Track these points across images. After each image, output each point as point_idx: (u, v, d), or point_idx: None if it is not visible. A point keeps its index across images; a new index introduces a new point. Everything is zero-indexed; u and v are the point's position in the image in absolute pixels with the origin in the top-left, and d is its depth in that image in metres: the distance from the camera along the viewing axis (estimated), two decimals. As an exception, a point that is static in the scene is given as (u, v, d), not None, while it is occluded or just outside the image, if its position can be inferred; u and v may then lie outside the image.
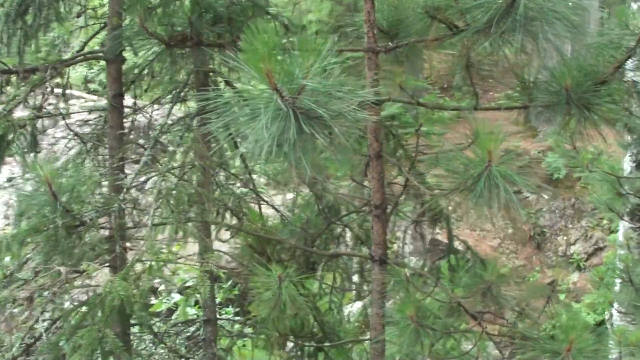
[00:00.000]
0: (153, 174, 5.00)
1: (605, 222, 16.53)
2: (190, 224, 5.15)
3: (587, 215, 17.05)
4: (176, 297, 9.05)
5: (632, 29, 3.97)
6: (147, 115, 6.22)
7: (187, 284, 7.50)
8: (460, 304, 4.26)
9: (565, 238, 17.44)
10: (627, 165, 8.16)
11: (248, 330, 6.80)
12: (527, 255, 17.44)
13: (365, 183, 4.93)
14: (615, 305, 8.40)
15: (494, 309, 4.34)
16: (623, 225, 8.35)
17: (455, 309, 4.45)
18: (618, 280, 7.51)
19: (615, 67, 3.93)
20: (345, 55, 5.90)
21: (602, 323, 13.03)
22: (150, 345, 6.47)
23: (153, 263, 4.15)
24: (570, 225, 17.43)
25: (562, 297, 16.50)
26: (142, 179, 5.15)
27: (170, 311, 9.55)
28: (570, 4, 3.48)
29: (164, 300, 9.36)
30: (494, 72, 4.40)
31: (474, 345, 4.35)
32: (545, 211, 17.65)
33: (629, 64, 7.94)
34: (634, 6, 8.49)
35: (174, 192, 4.79)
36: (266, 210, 6.36)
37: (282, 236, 5.26)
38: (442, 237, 16.57)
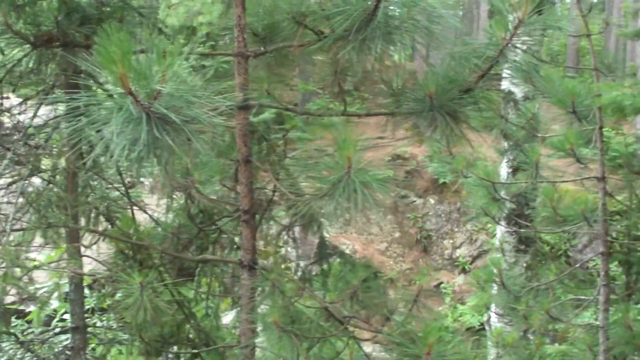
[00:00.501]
0: (17, 176, 4.85)
1: (490, 225, 16.93)
2: (59, 229, 5.02)
3: (472, 219, 17.40)
4: (55, 304, 8.84)
5: (495, 39, 4.03)
6: (15, 116, 6.03)
7: (43, 291, 7.30)
8: (327, 308, 4.26)
9: (451, 241, 17.78)
10: (504, 170, 8.34)
11: (123, 337, 6.68)
12: (414, 259, 17.71)
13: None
14: (493, 307, 8.58)
15: (362, 313, 4.35)
16: (500, 230, 8.53)
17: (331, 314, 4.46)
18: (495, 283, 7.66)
19: (479, 75, 3.98)
20: (221, 59, 5.88)
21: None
22: (14, 353, 6.28)
23: (8, 270, 4.02)
24: (456, 229, 17.77)
25: (447, 299, 16.81)
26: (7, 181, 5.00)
27: (51, 318, 9.33)
28: (435, 13, 3.52)
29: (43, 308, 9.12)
30: (366, 78, 4.41)
31: (343, 349, 4.35)
32: (432, 215, 17.96)
33: (505, 73, 8.12)
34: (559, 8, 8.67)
35: (37, 196, 4.66)
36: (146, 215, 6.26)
37: (154, 241, 5.18)
38: (329, 240, 16.74)
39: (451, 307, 16.58)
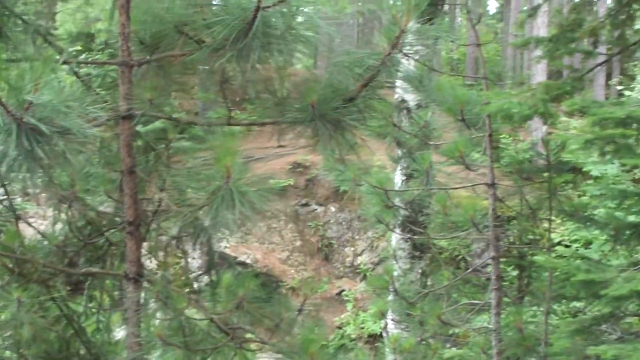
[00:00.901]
0: None
1: (389, 232, 17.09)
2: None
3: (372, 226, 17.54)
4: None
5: (379, 48, 4.06)
6: None
7: None
8: (212, 319, 4.22)
9: (352, 249, 17.88)
10: (398, 178, 8.42)
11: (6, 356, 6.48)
12: (316, 267, 17.75)
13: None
14: (390, 314, 8.64)
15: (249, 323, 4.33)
16: (395, 237, 8.60)
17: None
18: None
19: (362, 85, 4.00)
20: (109, 68, 5.78)
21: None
22: None
23: None
24: (357, 236, 17.88)
25: (349, 306, 16.90)
26: None
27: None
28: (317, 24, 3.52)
29: None
30: (251, 87, 4.39)
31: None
32: (333, 223, 18.03)
33: (398, 82, 8.20)
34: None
35: None
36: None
37: (38, 255, 5.04)
38: (229, 250, 16.67)
39: (353, 315, 16.67)
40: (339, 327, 16.59)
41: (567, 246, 16.10)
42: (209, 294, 5.08)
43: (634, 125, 5.74)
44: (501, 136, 18.00)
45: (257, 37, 3.29)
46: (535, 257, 7.49)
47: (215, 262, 5.48)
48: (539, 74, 20.34)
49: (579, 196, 15.20)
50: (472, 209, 6.22)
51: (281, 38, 3.32)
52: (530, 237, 11.12)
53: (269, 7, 3.30)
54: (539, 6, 6.77)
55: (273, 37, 3.34)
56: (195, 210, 3.47)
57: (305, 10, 3.37)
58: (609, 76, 25.69)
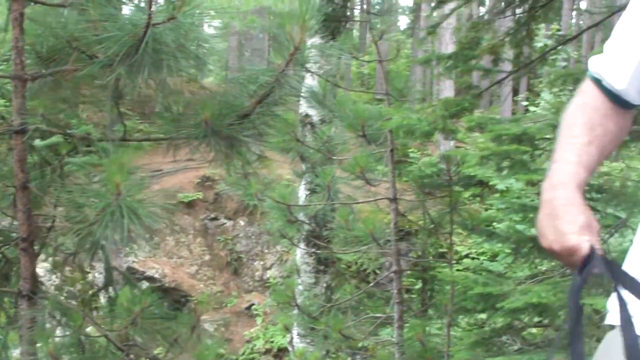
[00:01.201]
0: None
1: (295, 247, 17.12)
2: None
3: (277, 241, 17.54)
4: None
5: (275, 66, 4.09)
6: None
7: None
8: (106, 336, 4.19)
9: (261, 263, 17.84)
10: (302, 192, 8.45)
11: None
12: (225, 281, 17.65)
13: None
14: (295, 327, 8.66)
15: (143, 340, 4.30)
16: (299, 252, 8.63)
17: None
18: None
19: (256, 101, 4.03)
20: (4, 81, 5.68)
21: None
22: None
23: None
24: (266, 250, 17.85)
25: (259, 320, 16.86)
26: None
27: None
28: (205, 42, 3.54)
29: None
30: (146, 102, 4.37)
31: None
32: (242, 237, 17.97)
33: (302, 97, 8.24)
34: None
35: None
36: None
37: None
38: (137, 265, 16.47)
39: (262, 329, 16.63)
40: (249, 341, 16.53)
41: (474, 258, 16.35)
42: (108, 310, 5.04)
43: (532, 141, 5.89)
44: (409, 150, 18.24)
45: (147, 53, 3.29)
46: (435, 271, 7.61)
47: (113, 278, 5.43)
48: (447, 89, 20.69)
49: (486, 209, 15.49)
50: (371, 224, 6.28)
51: (171, 54, 3.33)
52: (440, 250, 11.31)
53: (159, 23, 3.31)
54: (438, 24, 6.88)
55: (163, 53, 3.34)
56: (86, 227, 3.43)
57: (208, 23, 3.38)
58: (515, 92, 26.28)
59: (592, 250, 1.80)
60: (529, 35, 6.95)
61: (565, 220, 1.85)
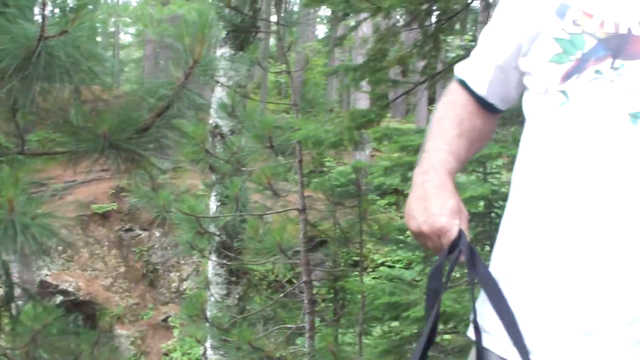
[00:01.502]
0: None
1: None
2: None
3: (187, 253, 17.43)
4: None
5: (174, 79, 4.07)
6: None
7: None
8: (6, 355, 4.11)
9: (177, 274, 17.72)
10: (213, 204, 8.42)
11: None
12: (141, 293, 17.48)
13: None
14: (209, 340, 8.63)
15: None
16: (211, 263, 8.60)
17: None
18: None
19: (155, 115, 4.00)
20: None
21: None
22: None
23: None
24: (182, 261, 17.73)
25: (176, 332, 16.73)
26: None
27: None
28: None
29: None
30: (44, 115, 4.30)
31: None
32: (158, 248, 17.83)
33: (212, 107, 8.21)
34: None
35: None
36: None
37: None
38: (51, 278, 16.19)
39: (180, 341, 16.51)
40: (166, 354, 16.41)
41: (390, 266, 16.51)
42: (10, 328, 4.95)
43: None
44: (326, 159, 18.34)
45: (40, 66, 3.25)
46: (345, 281, 7.66)
47: (14, 294, 5.32)
48: (363, 98, 20.82)
49: (401, 217, 15.63)
50: (279, 236, 6.30)
51: (64, 67, 3.29)
52: (354, 258, 11.38)
53: (53, 36, 3.27)
54: (344, 36, 6.94)
55: (57, 66, 3.30)
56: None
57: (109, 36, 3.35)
58: (432, 101, 26.63)
59: (461, 234, 1.81)
60: (437, 46, 7.05)
61: (437, 202, 1.86)
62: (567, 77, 1.89)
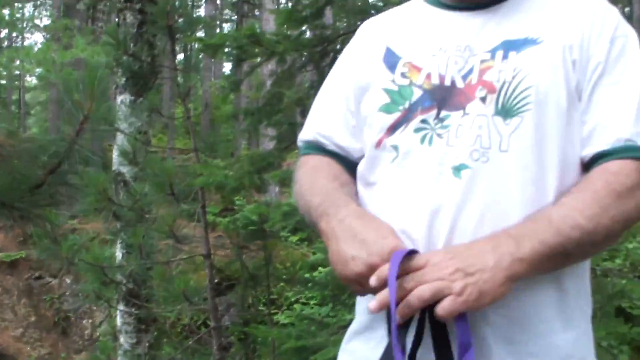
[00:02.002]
0: None
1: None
2: None
3: (93, 303, 17.19)
4: None
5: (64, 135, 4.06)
6: None
7: None
8: None
9: (90, 321, 17.43)
10: (119, 252, 8.34)
11: None
12: (53, 342, 17.13)
13: None
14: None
15: None
16: (119, 312, 8.50)
17: None
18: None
19: (49, 171, 3.98)
20: None
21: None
22: None
23: None
24: (94, 307, 17.46)
25: (93, 380, 16.45)
26: None
27: None
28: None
29: None
30: None
31: None
32: (69, 295, 17.53)
33: (115, 154, 8.15)
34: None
35: None
36: None
37: None
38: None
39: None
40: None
41: (304, 303, 16.48)
42: None
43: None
44: (236, 198, 18.29)
45: None
46: (251, 327, 7.65)
47: None
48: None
49: (314, 253, 15.65)
50: (183, 283, 6.28)
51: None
52: (263, 300, 11.36)
53: None
54: (240, 80, 6.99)
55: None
56: None
57: None
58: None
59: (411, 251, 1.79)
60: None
61: (371, 229, 1.86)
62: (396, 126, 1.99)
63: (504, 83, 1.91)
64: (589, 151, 1.92)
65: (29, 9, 44.70)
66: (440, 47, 2.04)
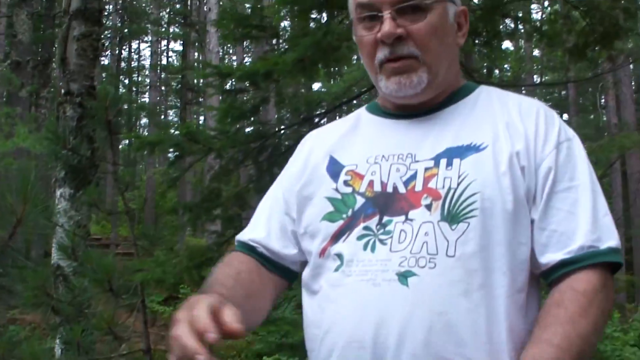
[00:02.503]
0: None
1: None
2: None
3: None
4: None
5: None
6: None
7: None
8: None
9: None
10: (58, 348, 8.21)
11: None
12: None
13: None
14: None
15: None
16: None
17: None
18: None
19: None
20: None
21: None
22: None
23: None
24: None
25: None
26: None
27: None
28: None
29: None
30: None
31: None
32: (6, 391, 17.05)
33: (54, 248, 8.02)
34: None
35: None
36: None
37: None
38: None
39: None
40: None
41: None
42: None
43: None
44: (180, 286, 18.06)
45: None
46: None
47: None
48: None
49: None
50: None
51: None
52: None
53: None
54: (177, 177, 7.02)
55: None
56: None
57: None
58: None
59: None
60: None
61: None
62: (339, 235, 2.02)
63: (449, 189, 1.94)
64: (551, 259, 1.96)
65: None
66: (383, 154, 2.09)
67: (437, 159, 2.01)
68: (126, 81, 45.20)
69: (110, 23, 37.73)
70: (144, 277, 6.03)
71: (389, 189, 2.01)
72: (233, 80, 6.78)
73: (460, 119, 2.11)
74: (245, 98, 6.53)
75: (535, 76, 35.29)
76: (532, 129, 2.04)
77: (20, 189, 3.96)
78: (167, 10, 43.38)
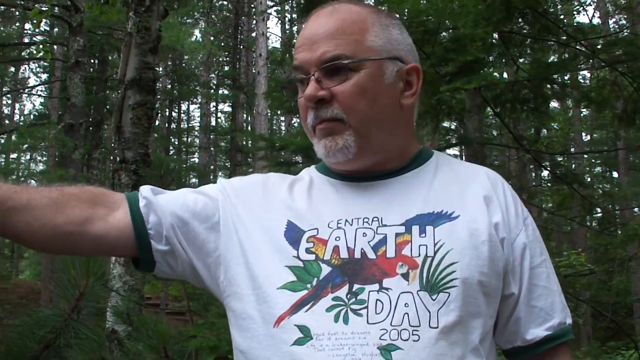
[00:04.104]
0: None
1: None
2: None
3: None
4: None
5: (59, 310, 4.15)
6: None
7: None
8: None
9: None
10: (112, 412, 8.29)
11: None
12: None
13: None
14: None
15: None
16: None
17: None
18: None
19: (44, 346, 4.06)
20: None
21: None
22: None
23: None
24: None
25: None
26: None
27: None
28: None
29: None
30: None
31: None
32: None
33: (109, 312, 8.14)
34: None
35: None
36: None
37: None
38: None
39: None
40: None
41: None
42: None
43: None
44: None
45: None
46: None
47: None
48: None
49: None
50: None
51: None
52: None
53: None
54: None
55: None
56: None
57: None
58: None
59: None
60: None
61: None
62: (300, 305, 1.86)
63: (425, 257, 1.86)
64: (535, 335, 2.01)
65: (25, 157, 45.26)
66: (346, 218, 1.96)
67: (408, 225, 1.93)
68: (176, 142, 45.78)
69: (160, 85, 38.35)
70: (198, 344, 6.10)
71: (357, 255, 1.89)
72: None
73: (425, 185, 2.04)
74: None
75: (583, 134, 34.88)
76: (503, 201, 2.03)
77: (82, 262, 4.08)
78: (216, 72, 44.07)
